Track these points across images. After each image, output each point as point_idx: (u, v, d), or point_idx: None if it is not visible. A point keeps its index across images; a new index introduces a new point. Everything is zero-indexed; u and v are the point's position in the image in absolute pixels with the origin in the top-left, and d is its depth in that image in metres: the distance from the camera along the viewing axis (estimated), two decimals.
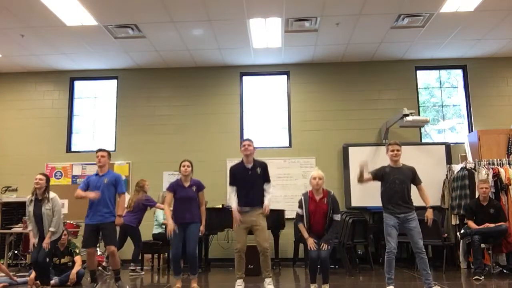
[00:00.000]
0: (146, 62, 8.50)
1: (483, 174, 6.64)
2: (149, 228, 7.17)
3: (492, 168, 6.69)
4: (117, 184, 5.11)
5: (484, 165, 6.81)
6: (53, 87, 8.89)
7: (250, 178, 4.93)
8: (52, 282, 5.38)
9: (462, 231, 6.20)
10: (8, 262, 7.42)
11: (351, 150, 8.02)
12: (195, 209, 5.02)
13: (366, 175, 4.74)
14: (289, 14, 6.60)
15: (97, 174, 5.13)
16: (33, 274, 5.46)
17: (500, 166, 6.78)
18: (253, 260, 6.28)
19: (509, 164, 6.82)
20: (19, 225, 7.30)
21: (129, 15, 6.57)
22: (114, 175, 5.19)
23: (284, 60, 8.51)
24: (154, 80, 8.77)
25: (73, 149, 8.79)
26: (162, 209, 6.67)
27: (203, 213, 5.09)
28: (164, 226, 7.08)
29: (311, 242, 4.60)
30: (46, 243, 4.98)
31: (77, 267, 5.61)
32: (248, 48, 7.87)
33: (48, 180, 5.17)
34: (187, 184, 5.05)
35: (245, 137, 8.55)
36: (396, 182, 4.62)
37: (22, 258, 7.74)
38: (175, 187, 5.05)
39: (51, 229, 5.02)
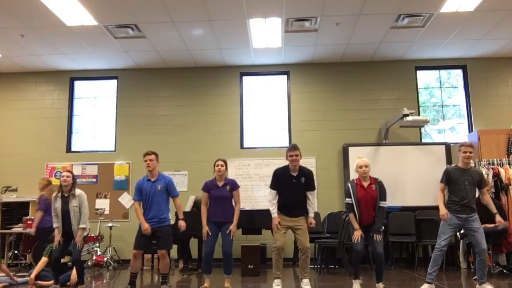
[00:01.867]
0: (146, 62, 8.50)
1: (483, 174, 6.65)
2: None
3: (492, 168, 6.70)
4: (169, 188, 5.05)
5: (484, 165, 6.82)
6: (53, 87, 8.89)
7: (294, 187, 4.85)
8: (51, 282, 5.38)
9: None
10: (8, 262, 7.43)
11: (351, 150, 8.01)
12: (229, 208, 5.02)
13: (442, 195, 4.72)
14: (289, 14, 6.60)
15: (148, 180, 5.04)
16: (33, 274, 5.47)
17: (500, 166, 6.79)
18: (253, 260, 6.31)
19: (509, 164, 6.83)
20: (19, 225, 7.30)
21: (129, 15, 6.57)
22: (165, 180, 5.07)
23: (284, 60, 8.52)
24: (154, 80, 8.78)
25: (73, 149, 8.78)
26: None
27: (236, 212, 5.02)
28: None
29: (357, 234, 4.58)
30: (79, 241, 5.02)
31: None
32: (248, 48, 7.87)
33: (74, 177, 5.22)
34: (220, 184, 5.05)
35: (245, 136, 8.58)
36: (466, 183, 4.60)
37: (22, 258, 7.75)
38: (209, 187, 5.07)
39: (82, 226, 5.05)
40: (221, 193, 5.01)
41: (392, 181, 7.72)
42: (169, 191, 5.08)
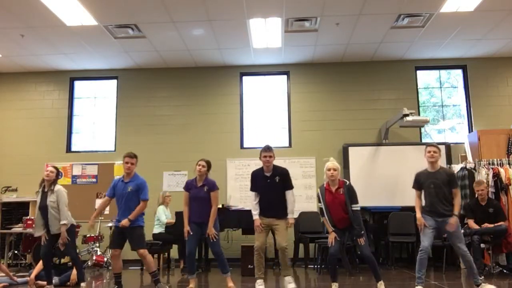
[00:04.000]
0: (146, 62, 8.50)
1: (483, 174, 6.64)
2: (149, 228, 7.15)
3: (492, 168, 6.70)
4: (140, 190, 4.98)
5: (484, 165, 6.82)
6: (53, 87, 8.89)
7: (269, 187, 4.90)
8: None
9: (462, 231, 6.19)
10: (8, 262, 7.43)
11: (351, 150, 8.02)
12: (207, 209, 4.98)
13: (418, 200, 4.68)
14: (289, 14, 6.59)
15: (122, 180, 5.03)
16: (33, 274, 5.47)
17: (500, 166, 6.79)
18: (253, 260, 6.28)
19: (509, 164, 6.82)
20: (19, 225, 7.30)
21: (129, 15, 6.57)
22: (137, 182, 5.01)
23: (284, 60, 8.51)
24: (154, 80, 8.78)
25: (73, 149, 8.79)
26: None
27: (212, 214, 4.94)
28: (164, 226, 7.08)
29: (331, 238, 4.59)
30: (63, 238, 5.00)
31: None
32: (248, 48, 7.87)
33: (57, 174, 5.21)
34: (199, 184, 5.04)
35: (245, 136, 8.58)
36: (431, 186, 4.56)
37: (22, 258, 7.75)
38: (189, 186, 5.08)
39: (63, 221, 5.04)
40: (199, 193, 4.99)
41: (392, 181, 7.72)
42: (139, 193, 4.97)
